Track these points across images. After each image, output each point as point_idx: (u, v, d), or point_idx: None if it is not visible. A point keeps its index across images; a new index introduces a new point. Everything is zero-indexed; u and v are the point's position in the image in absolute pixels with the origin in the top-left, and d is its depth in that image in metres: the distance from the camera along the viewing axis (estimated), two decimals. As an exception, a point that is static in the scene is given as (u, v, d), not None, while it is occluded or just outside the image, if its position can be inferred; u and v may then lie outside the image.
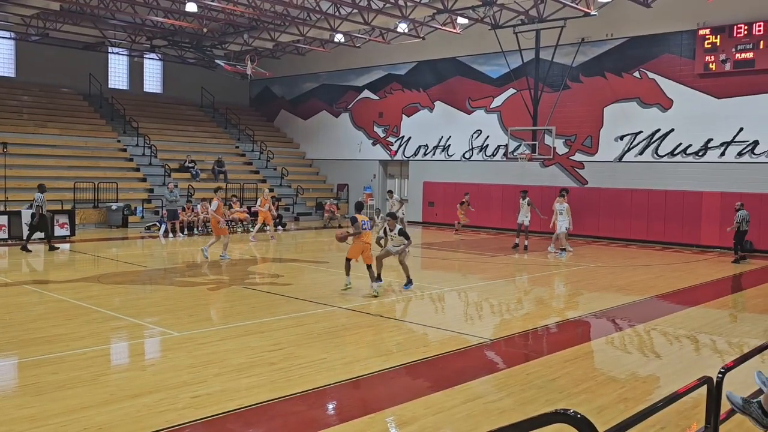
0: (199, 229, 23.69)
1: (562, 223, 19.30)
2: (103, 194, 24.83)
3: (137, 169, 27.70)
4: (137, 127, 29.83)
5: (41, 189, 18.50)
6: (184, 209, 23.59)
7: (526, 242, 20.52)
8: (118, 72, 33.80)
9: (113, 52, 32.95)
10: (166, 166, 27.92)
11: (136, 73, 34.35)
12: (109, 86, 32.94)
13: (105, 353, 8.41)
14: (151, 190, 26.64)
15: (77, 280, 13.52)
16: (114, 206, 24.36)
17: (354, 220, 12.40)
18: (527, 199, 20.57)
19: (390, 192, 24.41)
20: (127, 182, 26.42)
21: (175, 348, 8.40)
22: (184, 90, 35.09)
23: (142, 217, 25.10)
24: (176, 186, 23.20)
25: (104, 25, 27.93)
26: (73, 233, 21.30)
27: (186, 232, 23.11)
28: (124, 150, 28.51)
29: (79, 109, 30.42)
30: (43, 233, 18.29)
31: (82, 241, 20.67)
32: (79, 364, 7.58)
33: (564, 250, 19.27)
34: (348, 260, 12.54)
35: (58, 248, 18.50)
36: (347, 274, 12.57)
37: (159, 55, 33.85)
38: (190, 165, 28.68)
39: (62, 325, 9.46)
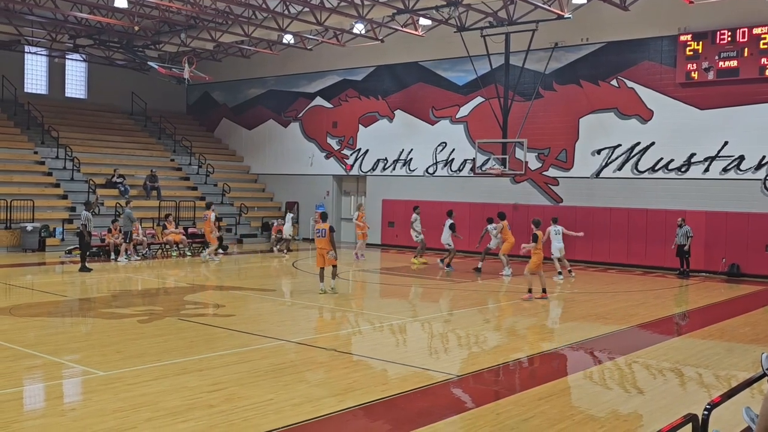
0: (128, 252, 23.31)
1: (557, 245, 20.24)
2: (17, 213, 24.32)
3: (57, 185, 27.23)
4: (57, 137, 29.34)
5: (87, 207, 20.52)
6: (110, 231, 23.21)
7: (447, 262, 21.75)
8: (35, 74, 33.27)
9: (30, 52, 32.40)
10: (91, 182, 27.49)
11: (56, 75, 33.83)
12: (26, 90, 32.38)
13: (18, 396, 8.21)
14: (72, 209, 26.15)
15: (-14, 312, 13.17)
16: (29, 227, 23.90)
17: (535, 238, 15.82)
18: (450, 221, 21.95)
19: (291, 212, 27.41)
20: (44, 200, 25.91)
21: (100, 389, 8.24)
22: (112, 95, 34.65)
23: (63, 239, 24.63)
24: (102, 204, 22.84)
25: (20, 21, 27.47)
26: (-19, 258, 20.83)
27: (113, 256, 22.71)
28: (42, 163, 28.02)
29: (-10, 116, 29.87)
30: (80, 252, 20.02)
31: (-8, 267, 20.19)
32: (-13, 409, 7.38)
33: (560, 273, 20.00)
34: (533, 273, 15.82)
35: (91, 270, 19.35)
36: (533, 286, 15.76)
37: (83, 56, 33.40)
38: (118, 180, 28.28)
39: (-32, 365, 9.21)
